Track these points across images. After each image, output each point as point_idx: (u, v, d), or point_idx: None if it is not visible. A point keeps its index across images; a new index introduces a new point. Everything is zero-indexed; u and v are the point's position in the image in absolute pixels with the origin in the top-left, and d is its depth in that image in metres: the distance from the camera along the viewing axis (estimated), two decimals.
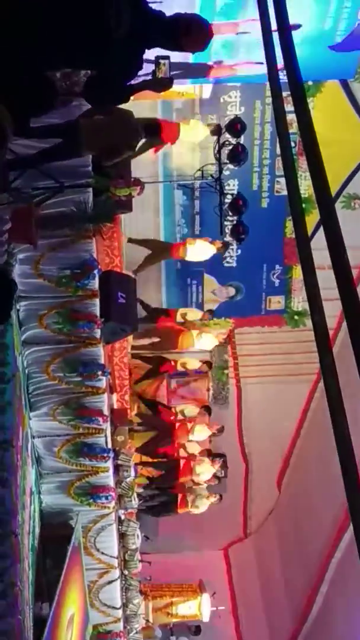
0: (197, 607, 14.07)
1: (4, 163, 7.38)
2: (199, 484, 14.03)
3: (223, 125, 12.19)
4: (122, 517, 11.13)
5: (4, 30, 4.10)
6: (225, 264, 14.74)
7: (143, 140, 9.96)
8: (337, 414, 2.34)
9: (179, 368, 14.19)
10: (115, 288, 9.53)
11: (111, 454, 9.88)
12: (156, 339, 13.69)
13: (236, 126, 11.80)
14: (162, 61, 7.89)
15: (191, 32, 4.71)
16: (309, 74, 9.97)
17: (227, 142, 12.08)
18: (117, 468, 10.44)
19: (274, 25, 3.11)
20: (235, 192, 13.16)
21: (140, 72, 4.92)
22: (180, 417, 13.98)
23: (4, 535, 7.57)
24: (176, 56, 6.90)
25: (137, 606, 11.93)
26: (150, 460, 13.75)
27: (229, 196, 12.44)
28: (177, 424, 13.66)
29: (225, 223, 12.88)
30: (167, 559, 15.28)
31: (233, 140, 12.04)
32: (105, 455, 9.74)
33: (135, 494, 11.13)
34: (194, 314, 14.21)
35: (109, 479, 10.02)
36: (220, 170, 12.36)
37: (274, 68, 3.13)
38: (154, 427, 13.42)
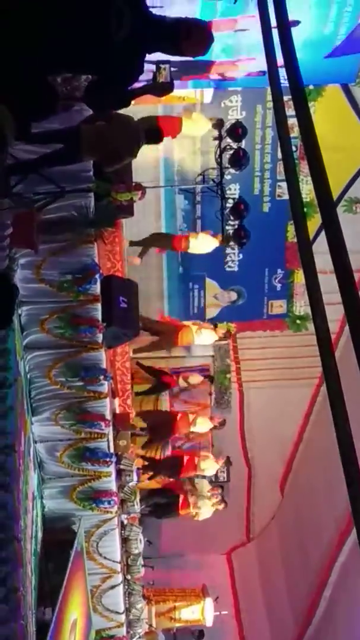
0: (200, 612, 14.03)
1: (5, 168, 7.40)
2: (199, 483, 14.03)
3: (224, 129, 12.19)
4: (125, 521, 11.12)
5: (4, 34, 4.10)
6: (227, 269, 14.74)
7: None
8: (339, 418, 2.35)
9: (181, 384, 14.15)
10: (116, 293, 9.53)
11: (113, 459, 9.88)
12: (155, 338, 13.64)
13: (237, 130, 11.79)
14: (162, 66, 7.90)
15: (192, 36, 4.70)
16: (310, 79, 9.97)
17: (228, 147, 12.08)
18: (119, 472, 10.43)
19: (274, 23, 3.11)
20: (236, 196, 13.15)
21: (141, 77, 4.92)
22: (183, 383, 13.93)
23: (7, 540, 7.56)
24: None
25: (140, 611, 11.91)
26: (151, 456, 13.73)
27: (231, 200, 12.44)
28: (179, 415, 13.63)
29: (227, 227, 12.88)
30: (170, 563, 15.28)
31: (234, 145, 12.04)
32: (107, 459, 9.74)
33: (137, 499, 11.12)
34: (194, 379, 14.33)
35: (111, 483, 10.02)
36: (222, 175, 12.36)
37: (275, 72, 3.13)
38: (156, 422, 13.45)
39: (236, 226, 12.46)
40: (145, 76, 5.37)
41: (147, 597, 12.99)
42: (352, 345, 2.23)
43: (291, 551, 15.54)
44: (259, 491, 16.53)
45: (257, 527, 17.02)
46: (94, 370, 9.25)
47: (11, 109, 4.44)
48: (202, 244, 13.09)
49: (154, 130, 9.15)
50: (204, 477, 14.19)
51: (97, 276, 8.89)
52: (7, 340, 8.07)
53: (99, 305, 9.07)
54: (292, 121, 2.81)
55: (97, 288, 8.98)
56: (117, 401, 11.17)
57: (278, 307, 15.21)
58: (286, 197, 11.94)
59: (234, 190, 13.69)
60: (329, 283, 2.57)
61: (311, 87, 12.32)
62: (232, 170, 12.64)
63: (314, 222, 4.84)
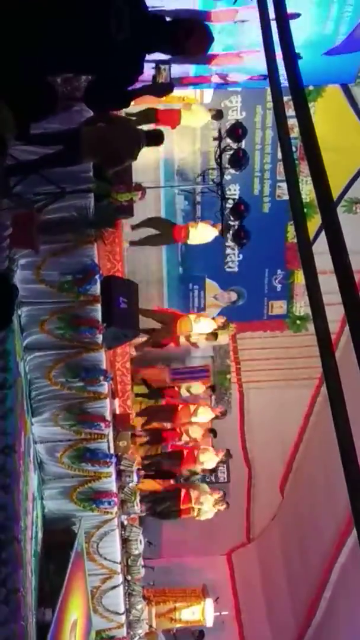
0: (200, 612, 14.04)
1: (5, 168, 7.39)
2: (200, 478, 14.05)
3: (224, 130, 12.20)
4: (125, 522, 11.13)
5: (4, 34, 4.10)
6: (227, 269, 14.76)
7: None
8: (339, 418, 2.34)
9: (183, 394, 14.12)
10: (116, 293, 9.52)
11: (113, 459, 9.87)
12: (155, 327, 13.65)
13: (237, 131, 11.81)
14: (162, 66, 7.92)
15: (192, 36, 4.71)
16: (310, 79, 9.95)
17: (228, 147, 12.09)
18: (119, 473, 10.43)
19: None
20: (236, 197, 13.17)
21: (140, 77, 4.92)
22: (185, 393, 13.96)
23: (7, 541, 7.54)
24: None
25: (140, 611, 11.92)
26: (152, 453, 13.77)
27: (231, 201, 12.45)
28: (180, 406, 13.65)
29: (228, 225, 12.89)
30: (171, 564, 15.28)
31: (234, 145, 12.06)
32: (107, 460, 9.73)
33: (137, 499, 11.11)
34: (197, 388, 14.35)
35: (111, 484, 10.01)
36: (222, 175, 12.38)
37: (275, 72, 3.13)
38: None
39: (236, 227, 12.47)
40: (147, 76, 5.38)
41: (148, 598, 13.00)
42: (352, 345, 2.22)
43: (291, 552, 15.54)
44: (259, 492, 16.53)
45: (257, 528, 17.02)
46: (94, 371, 9.24)
47: (11, 109, 4.44)
48: (202, 233, 13.06)
49: (154, 133, 9.17)
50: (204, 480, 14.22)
51: (97, 277, 8.89)
52: (6, 341, 8.06)
53: (99, 306, 9.06)
54: (292, 121, 2.81)
55: (97, 289, 8.97)
56: (117, 402, 11.18)
57: (278, 307, 15.23)
58: (286, 197, 11.96)
59: (234, 191, 13.71)
60: (329, 283, 2.57)
61: (311, 87, 12.33)
62: (232, 171, 12.66)
63: (314, 223, 4.85)
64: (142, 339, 13.25)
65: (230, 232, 12.69)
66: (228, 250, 14.47)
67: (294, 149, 3.41)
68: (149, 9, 4.70)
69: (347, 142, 13.34)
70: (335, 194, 10.95)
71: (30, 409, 9.26)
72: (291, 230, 14.12)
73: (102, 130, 8.10)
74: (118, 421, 10.61)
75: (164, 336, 13.70)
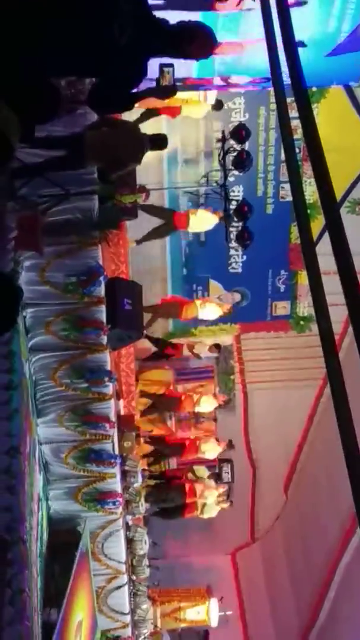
0: (205, 612, 14.04)
1: (10, 171, 7.42)
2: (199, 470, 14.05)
3: (228, 132, 12.21)
4: (130, 522, 11.13)
5: (7, 36, 4.11)
6: (231, 270, 14.77)
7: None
8: (343, 418, 2.35)
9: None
10: (121, 295, 9.54)
11: (118, 460, 9.88)
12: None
13: (241, 132, 11.82)
14: (166, 69, 7.96)
15: (195, 39, 4.72)
16: (313, 79, 9.94)
17: (231, 149, 12.11)
18: (124, 474, 10.44)
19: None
20: (240, 198, 13.18)
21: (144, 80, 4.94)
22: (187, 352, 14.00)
23: (12, 542, 7.56)
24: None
25: (146, 611, 11.92)
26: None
27: (234, 202, 12.47)
28: (183, 396, 13.66)
29: (231, 229, 12.90)
30: (175, 564, 15.28)
31: (238, 147, 12.06)
32: (112, 461, 9.74)
33: (142, 500, 11.12)
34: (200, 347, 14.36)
35: (116, 484, 10.02)
36: (225, 177, 12.40)
37: (278, 73, 3.14)
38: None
39: (240, 228, 12.48)
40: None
41: (152, 598, 13.00)
42: (355, 346, 2.24)
43: (295, 552, 15.55)
44: (264, 492, 16.53)
45: (261, 528, 17.03)
46: (99, 372, 9.25)
47: (15, 111, 4.46)
48: (202, 220, 13.06)
49: (158, 137, 9.19)
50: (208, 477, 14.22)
51: (101, 278, 8.90)
52: (12, 342, 8.08)
53: (103, 308, 9.07)
54: (295, 123, 2.82)
55: (101, 290, 8.99)
56: (121, 402, 11.18)
57: (282, 308, 15.25)
58: (289, 198, 11.99)
59: (237, 192, 13.73)
60: (332, 284, 2.58)
61: (314, 88, 12.34)
62: (235, 172, 12.68)
63: (318, 224, 4.85)
64: (145, 345, 13.36)
65: (234, 233, 12.71)
66: (232, 252, 14.48)
67: (297, 150, 3.43)
68: (152, 12, 4.72)
69: (350, 143, 13.34)
70: (338, 195, 11.02)
71: (35, 410, 9.28)
72: (295, 231, 14.13)
73: (106, 135, 8.13)
74: (123, 422, 10.62)
75: (168, 317, 13.75)
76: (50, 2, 4.26)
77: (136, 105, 5.54)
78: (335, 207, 2.69)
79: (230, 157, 12.10)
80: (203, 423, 14.49)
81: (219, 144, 12.46)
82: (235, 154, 12.01)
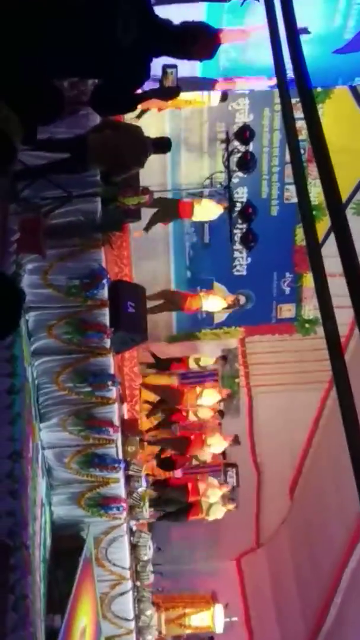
0: (210, 618, 13.98)
1: (13, 174, 7.38)
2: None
3: (232, 133, 12.18)
4: (134, 528, 11.08)
5: (7, 36, 4.07)
6: (236, 272, 14.73)
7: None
8: (349, 422, 2.32)
9: (191, 417, 14.12)
10: (124, 297, 9.51)
11: (122, 465, 9.84)
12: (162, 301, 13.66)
13: (245, 134, 11.80)
14: (169, 70, 7.91)
15: (199, 40, 4.69)
16: (318, 78, 9.84)
17: (236, 150, 12.08)
18: (128, 479, 10.39)
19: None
20: (244, 200, 13.14)
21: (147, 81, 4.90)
22: (193, 417, 13.95)
23: (15, 548, 7.52)
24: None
25: (150, 618, 11.88)
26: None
27: (239, 204, 12.43)
28: (186, 389, 13.68)
29: (235, 231, 12.87)
30: (180, 570, 15.23)
31: (242, 148, 12.04)
32: (116, 465, 9.70)
33: (146, 505, 11.06)
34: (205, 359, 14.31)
35: (119, 489, 9.98)
36: (230, 178, 12.37)
37: (283, 74, 3.10)
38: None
39: (244, 230, 12.45)
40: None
41: (157, 604, 12.97)
42: None
43: (301, 557, 15.48)
44: (269, 496, 16.48)
45: (266, 533, 16.97)
46: (102, 375, 9.22)
47: (18, 112, 4.42)
48: (206, 210, 12.98)
49: (161, 140, 9.16)
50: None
51: (104, 281, 8.87)
52: (14, 346, 8.04)
53: (106, 310, 9.04)
54: (300, 124, 2.78)
55: (104, 293, 8.95)
56: (125, 406, 11.15)
57: (287, 310, 15.20)
58: (294, 200, 11.94)
59: (241, 194, 13.67)
60: (338, 286, 2.54)
61: (319, 89, 12.29)
62: (239, 174, 12.66)
63: (323, 225, 4.79)
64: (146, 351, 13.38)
65: (239, 235, 12.67)
66: (236, 254, 14.44)
67: (302, 151, 3.38)
68: (155, 13, 4.68)
69: (355, 144, 13.28)
70: (344, 196, 10.91)
71: (38, 415, 9.24)
72: (299, 233, 14.09)
73: (109, 138, 8.09)
74: (126, 426, 10.57)
75: (171, 309, 13.74)
76: (51, 2, 4.23)
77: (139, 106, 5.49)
78: (341, 208, 2.66)
79: (234, 159, 12.07)
80: (208, 421, 14.45)
81: (223, 145, 12.42)
82: (239, 155, 11.98)
